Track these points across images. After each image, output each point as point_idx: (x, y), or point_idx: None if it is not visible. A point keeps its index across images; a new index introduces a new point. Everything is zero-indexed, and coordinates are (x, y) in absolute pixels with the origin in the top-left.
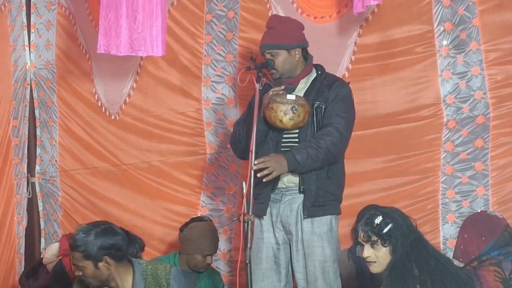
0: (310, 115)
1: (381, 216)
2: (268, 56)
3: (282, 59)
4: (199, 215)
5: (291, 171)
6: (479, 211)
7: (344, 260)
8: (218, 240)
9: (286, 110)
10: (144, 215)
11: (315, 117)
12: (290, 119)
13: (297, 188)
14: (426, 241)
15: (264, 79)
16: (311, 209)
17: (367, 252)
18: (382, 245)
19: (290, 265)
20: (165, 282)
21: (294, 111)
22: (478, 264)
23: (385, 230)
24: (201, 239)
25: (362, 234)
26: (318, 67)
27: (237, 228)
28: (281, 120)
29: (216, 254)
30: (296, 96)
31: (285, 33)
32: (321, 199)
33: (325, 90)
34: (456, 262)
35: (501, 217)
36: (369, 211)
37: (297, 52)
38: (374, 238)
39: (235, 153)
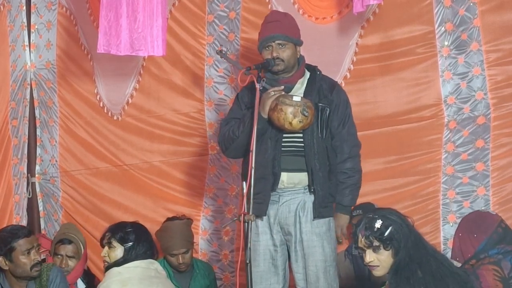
0: (314, 116)
1: (380, 220)
2: (276, 47)
3: (290, 53)
4: (202, 215)
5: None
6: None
7: (341, 260)
8: (188, 237)
9: (296, 113)
10: (146, 216)
11: (320, 118)
12: (300, 121)
13: (297, 189)
14: (424, 240)
15: (264, 79)
16: (319, 210)
17: (370, 257)
18: (385, 248)
19: (288, 266)
20: (45, 277)
21: (306, 114)
22: (476, 262)
23: (386, 233)
24: (165, 239)
25: (362, 240)
26: (312, 68)
27: (239, 229)
28: (290, 123)
29: (218, 255)
30: (301, 97)
31: (293, 28)
32: (326, 200)
33: (327, 93)
34: (454, 263)
35: (494, 213)
36: (364, 209)
37: (299, 50)
38: (376, 243)
39: (225, 152)
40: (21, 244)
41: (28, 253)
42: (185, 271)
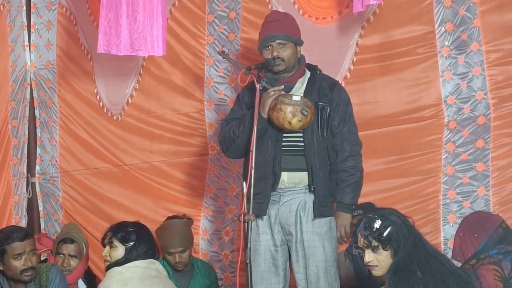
0: (314, 115)
1: (379, 220)
2: (276, 46)
3: (290, 52)
4: (202, 215)
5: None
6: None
7: (341, 260)
8: (187, 236)
9: (295, 112)
10: (146, 216)
11: (320, 117)
12: (299, 121)
13: (297, 188)
14: (425, 240)
15: (264, 79)
16: (320, 209)
17: (368, 257)
18: (383, 249)
19: (288, 266)
20: (45, 277)
21: (305, 113)
22: (476, 262)
23: (385, 234)
24: (164, 238)
25: (361, 240)
26: (312, 67)
27: (239, 229)
28: (290, 122)
29: (218, 255)
30: (301, 97)
31: (293, 28)
32: (326, 199)
33: (327, 92)
34: (455, 262)
35: (495, 214)
36: (364, 209)
37: (299, 49)
38: (374, 243)
39: (226, 152)
40: (13, 247)
41: (20, 257)
42: (184, 271)
